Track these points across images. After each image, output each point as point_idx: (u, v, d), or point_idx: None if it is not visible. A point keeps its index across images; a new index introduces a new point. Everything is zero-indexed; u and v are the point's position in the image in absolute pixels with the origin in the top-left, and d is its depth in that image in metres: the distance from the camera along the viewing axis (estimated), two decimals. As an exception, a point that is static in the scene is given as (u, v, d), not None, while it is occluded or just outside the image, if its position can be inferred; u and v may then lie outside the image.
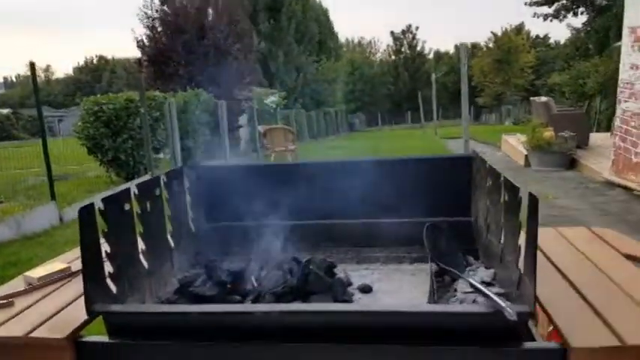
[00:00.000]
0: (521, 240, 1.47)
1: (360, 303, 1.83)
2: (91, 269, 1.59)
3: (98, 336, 1.65)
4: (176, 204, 2.24)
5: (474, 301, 1.67)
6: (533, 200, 1.36)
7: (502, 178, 1.67)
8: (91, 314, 1.58)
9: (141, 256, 1.92)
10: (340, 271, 2.03)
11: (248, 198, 2.43)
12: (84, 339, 1.62)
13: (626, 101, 9.57)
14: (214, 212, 2.50)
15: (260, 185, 2.43)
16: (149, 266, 1.96)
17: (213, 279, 1.90)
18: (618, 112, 10.07)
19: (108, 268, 1.71)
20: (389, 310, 1.43)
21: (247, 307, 1.61)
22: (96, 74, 65.87)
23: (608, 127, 16.94)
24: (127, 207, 1.82)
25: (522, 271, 1.47)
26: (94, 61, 69.34)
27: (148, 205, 1.98)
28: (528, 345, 1.45)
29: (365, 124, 37.67)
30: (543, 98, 14.56)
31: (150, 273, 1.97)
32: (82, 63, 70.53)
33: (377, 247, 2.32)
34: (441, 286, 1.85)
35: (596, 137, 14.12)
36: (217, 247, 2.44)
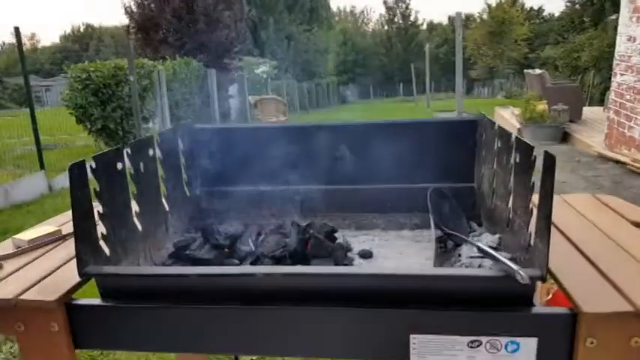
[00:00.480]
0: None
1: (364, 267, 1.78)
2: (82, 229, 1.51)
3: (90, 299, 1.58)
4: (170, 166, 2.16)
5: (480, 266, 1.62)
6: (549, 158, 1.30)
7: (514, 139, 1.60)
8: (83, 276, 1.51)
9: (134, 219, 1.85)
10: (339, 237, 1.97)
11: (244, 162, 2.36)
12: (75, 302, 1.56)
13: (622, 74, 9.51)
14: (209, 176, 2.42)
15: (257, 149, 2.35)
16: (143, 229, 1.89)
17: (209, 242, 1.83)
18: (613, 85, 10.02)
19: (100, 229, 1.63)
20: (396, 274, 1.38)
21: (248, 268, 1.55)
22: (83, 42, 64.65)
23: (601, 102, 16.92)
24: (119, 166, 1.73)
25: (534, 234, 1.41)
26: (81, 29, 67.97)
27: (142, 166, 1.89)
28: (537, 310, 1.40)
29: (357, 96, 37.39)
30: (538, 70, 14.48)
31: (144, 236, 1.89)
32: (68, 31, 69.15)
33: (376, 214, 2.25)
34: (445, 251, 1.80)
35: (589, 111, 14.11)
36: (212, 212, 2.37)
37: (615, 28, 10.37)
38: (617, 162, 8.27)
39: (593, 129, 11.75)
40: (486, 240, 1.81)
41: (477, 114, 2.23)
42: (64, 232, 2.05)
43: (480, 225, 2.07)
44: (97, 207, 1.63)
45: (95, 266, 1.55)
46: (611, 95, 10.00)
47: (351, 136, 2.30)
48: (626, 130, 8.97)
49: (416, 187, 2.29)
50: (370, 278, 1.40)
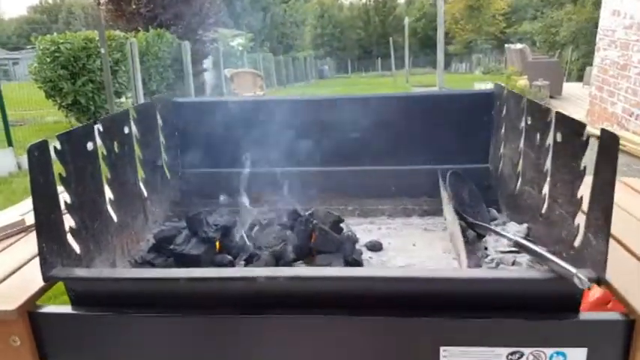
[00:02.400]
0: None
1: (391, 267, 1.54)
2: (46, 223, 1.25)
3: (59, 306, 1.33)
4: (148, 145, 1.90)
5: (514, 263, 1.41)
6: (610, 137, 1.09)
7: (552, 115, 1.38)
8: (48, 280, 1.26)
9: (108, 207, 1.59)
10: (343, 226, 1.74)
11: (231, 140, 2.10)
12: (40, 310, 1.30)
13: (605, 49, 9.38)
14: (192, 156, 2.15)
15: (246, 125, 2.09)
16: (119, 219, 1.64)
17: (197, 235, 1.58)
18: (596, 60, 9.90)
19: (69, 222, 1.38)
20: (428, 276, 1.16)
21: (247, 271, 1.31)
22: (52, 14, 62.39)
23: (579, 78, 16.93)
24: (90, 146, 1.47)
25: (585, 228, 1.20)
26: (50, 1, 65.55)
27: (116, 146, 1.63)
28: (587, 316, 1.20)
29: (334, 70, 36.91)
30: (519, 45, 14.36)
31: (120, 227, 1.64)
32: (36, 2, 66.58)
33: (381, 199, 2.03)
34: (466, 242, 1.58)
35: (568, 87, 14.05)
36: (197, 197, 2.11)
37: (594, 4, 10.21)
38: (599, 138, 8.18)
39: (574, 105, 11.69)
40: (512, 230, 1.60)
41: (494, 86, 2.01)
42: (28, 223, 1.78)
43: (498, 211, 1.86)
44: (64, 196, 1.38)
45: (63, 268, 1.30)
46: (594, 71, 9.87)
47: (350, 111, 2.06)
48: (608, 106, 8.88)
49: (423, 169, 2.07)
50: (396, 282, 1.17)
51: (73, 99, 11.49)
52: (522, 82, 12.03)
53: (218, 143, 2.12)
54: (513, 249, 1.45)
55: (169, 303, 1.28)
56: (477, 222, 1.60)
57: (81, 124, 1.48)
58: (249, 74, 13.59)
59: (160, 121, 1.99)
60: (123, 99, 12.14)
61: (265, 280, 1.21)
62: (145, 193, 1.86)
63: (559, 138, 1.34)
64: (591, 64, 10.71)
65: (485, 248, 1.55)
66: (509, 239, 1.34)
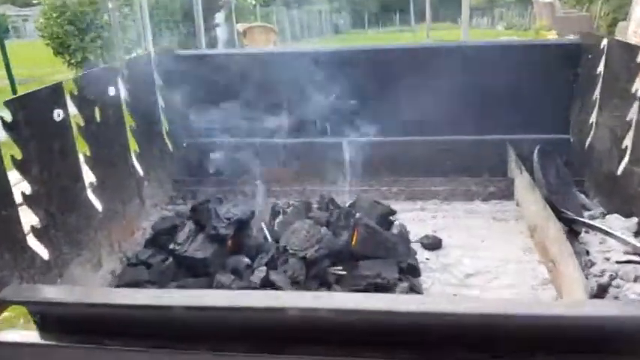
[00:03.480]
0: None
1: (483, 300, 1.15)
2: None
3: (20, 332, 0.98)
4: (143, 110, 1.51)
5: (638, 279, 1.02)
6: None
7: None
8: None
9: (89, 194, 1.22)
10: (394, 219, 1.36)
11: (248, 102, 1.70)
12: (-5, 337, 0.95)
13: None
14: (200, 123, 1.77)
15: (265, 83, 1.69)
16: (105, 208, 1.28)
17: (205, 231, 1.21)
18: (634, 14, 9.22)
19: (30, 219, 1.02)
20: (563, 315, 0.77)
21: (272, 297, 0.93)
22: (60, -33, 61.16)
23: (610, 34, 16.09)
24: (58, 115, 1.09)
25: None
26: (58, -47, 64.19)
27: (97, 113, 1.25)
28: None
29: (350, 25, 35.78)
30: (548, -3, 13.55)
31: (106, 218, 1.29)
32: (44, -46, 65.22)
33: (434, 177, 1.63)
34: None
35: (600, 42, 13.28)
36: (207, 173, 1.73)
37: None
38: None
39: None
40: (617, 226, 1.21)
41: (580, 35, 1.57)
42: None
43: (584, 194, 1.46)
44: (24, 185, 1.01)
45: (18, 287, 0.94)
46: (632, 27, 9.21)
47: (400, 65, 1.65)
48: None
49: (487, 140, 1.67)
50: (498, 319, 0.79)
51: (82, 56, 11.13)
52: (551, 37, 11.35)
53: (232, 106, 1.72)
54: (633, 258, 1.06)
55: (165, 334, 0.92)
56: (579, 219, 1.21)
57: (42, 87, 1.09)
58: (262, 29, 12.98)
59: (158, 80, 1.60)
60: (134, 54, 11.74)
61: (299, 313, 0.83)
62: (140, 172, 1.48)
63: None
64: (622, 19, 10.01)
65: (587, 252, 1.16)
66: (637, 249, 0.94)
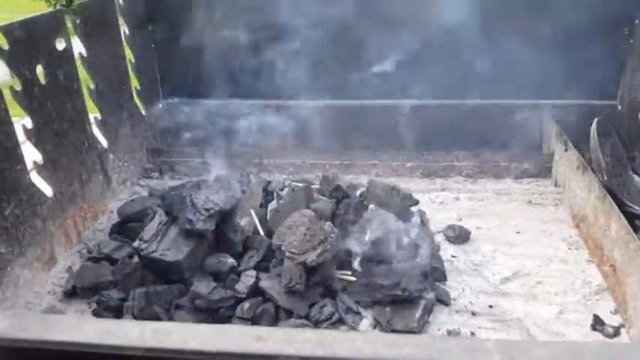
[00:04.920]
0: None
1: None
2: None
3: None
4: (105, 66, 1.24)
5: None
6: None
7: None
8: None
9: (33, 176, 0.97)
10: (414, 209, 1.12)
11: (234, 54, 1.43)
12: None
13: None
14: (178, 79, 1.50)
15: (253, 30, 1.41)
16: (56, 190, 1.03)
17: (179, 223, 0.96)
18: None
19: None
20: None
21: (260, 339, 0.70)
22: None
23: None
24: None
25: None
26: None
27: (40, 72, 0.98)
28: None
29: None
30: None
31: (59, 203, 1.04)
32: None
33: (456, 150, 1.37)
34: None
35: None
36: (184, 139, 1.47)
37: None
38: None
39: None
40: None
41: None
42: None
43: (637, 175, 1.22)
44: None
45: None
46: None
47: (405, 10, 1.37)
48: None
49: (520, 105, 1.41)
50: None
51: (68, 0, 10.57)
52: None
53: (217, 60, 1.44)
54: None
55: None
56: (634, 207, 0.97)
57: None
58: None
59: (124, 28, 1.31)
60: None
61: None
62: (104, 142, 1.23)
63: None
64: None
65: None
66: None
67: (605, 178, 1.01)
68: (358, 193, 1.03)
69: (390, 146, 1.39)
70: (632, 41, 1.30)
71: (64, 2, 11.26)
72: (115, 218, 1.19)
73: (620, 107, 1.36)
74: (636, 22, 1.29)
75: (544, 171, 1.31)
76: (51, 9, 7.10)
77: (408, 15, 1.37)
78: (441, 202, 1.25)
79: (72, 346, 0.68)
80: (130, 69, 1.35)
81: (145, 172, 1.41)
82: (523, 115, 1.39)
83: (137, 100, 1.40)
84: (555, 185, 1.28)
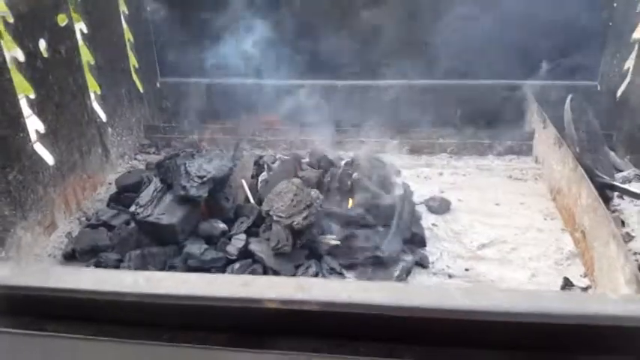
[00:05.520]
0: None
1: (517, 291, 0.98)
2: None
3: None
4: (105, 43, 1.29)
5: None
6: None
7: None
8: None
9: (36, 145, 1.03)
10: (391, 171, 1.17)
11: (231, 34, 1.47)
12: None
13: None
14: (175, 59, 1.55)
15: (250, 8, 1.45)
16: (57, 160, 1.08)
17: (174, 190, 1.02)
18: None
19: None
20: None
21: (249, 288, 0.75)
22: None
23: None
24: (-15, 50, 0.88)
25: None
26: None
27: (43, 47, 1.03)
28: None
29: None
30: None
31: (60, 172, 1.11)
32: None
33: (442, 127, 1.43)
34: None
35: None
36: (182, 117, 1.53)
37: None
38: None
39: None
40: (656, 190, 1.03)
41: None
42: None
43: (612, 150, 1.28)
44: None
45: None
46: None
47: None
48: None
49: (502, 85, 1.46)
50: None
51: None
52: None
53: (215, 40, 1.49)
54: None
55: (114, 321, 0.75)
56: (619, 184, 1.03)
57: None
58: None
59: (124, 7, 1.36)
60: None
61: (279, 306, 0.66)
62: (103, 116, 1.28)
63: None
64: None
65: (623, 223, 0.99)
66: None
67: (578, 150, 1.06)
68: (343, 162, 1.08)
69: (379, 124, 1.44)
70: (610, 24, 1.35)
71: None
72: (113, 189, 1.25)
73: (599, 87, 1.41)
74: (614, 5, 1.34)
75: (525, 148, 1.37)
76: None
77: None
78: (425, 176, 1.30)
79: (69, 292, 0.74)
80: (129, 48, 1.40)
81: (142, 148, 1.47)
82: (506, 95, 1.45)
83: (135, 78, 1.45)
84: (535, 162, 1.33)
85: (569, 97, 1.14)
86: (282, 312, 0.68)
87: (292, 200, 0.97)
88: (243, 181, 1.12)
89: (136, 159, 1.42)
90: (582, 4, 1.36)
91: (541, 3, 1.38)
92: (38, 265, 1.01)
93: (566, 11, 1.36)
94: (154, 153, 1.46)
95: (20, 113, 0.99)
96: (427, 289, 0.83)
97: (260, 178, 1.14)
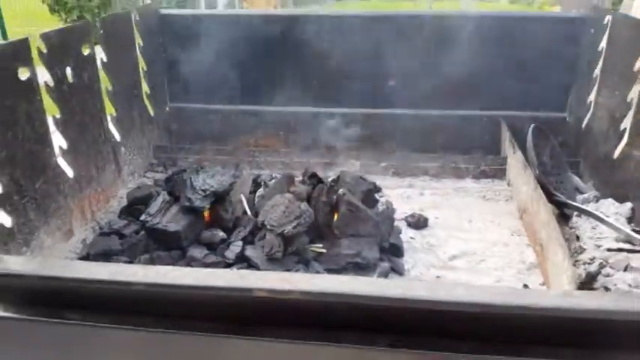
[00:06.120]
0: None
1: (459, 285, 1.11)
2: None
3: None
4: (121, 71, 1.44)
5: (628, 268, 0.97)
6: None
7: None
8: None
9: (59, 159, 1.16)
10: (378, 197, 1.31)
11: (236, 66, 1.63)
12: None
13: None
14: (184, 87, 1.70)
15: (251, 48, 1.62)
16: (76, 174, 1.22)
17: (180, 201, 1.15)
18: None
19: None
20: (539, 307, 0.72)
21: (237, 278, 0.88)
22: None
23: (614, 10, 15.81)
24: (22, 74, 1.02)
25: None
26: None
27: (69, 73, 1.17)
28: None
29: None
30: (554, -30, 13.28)
31: (78, 184, 1.23)
32: None
33: (424, 153, 1.57)
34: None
35: (604, 18, 13.07)
36: (188, 140, 1.67)
37: None
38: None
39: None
40: (609, 211, 1.16)
41: (590, 9, 1.49)
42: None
43: (578, 176, 1.41)
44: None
45: (-28, 255, 0.88)
46: (636, 3, 9.04)
47: (389, 33, 1.57)
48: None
49: (480, 116, 1.61)
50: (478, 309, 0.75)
51: (78, 14, 10.92)
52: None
53: (219, 71, 1.64)
54: (624, 245, 1.01)
55: (127, 310, 0.87)
56: (571, 202, 1.16)
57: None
58: (263, -5, 12.67)
59: (139, 39, 1.51)
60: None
61: (267, 295, 0.78)
62: (117, 137, 1.42)
63: None
64: (632, -5, 9.84)
65: (578, 237, 1.11)
66: (629, 237, 0.89)
67: (537, 171, 1.20)
68: (330, 179, 1.21)
69: (367, 148, 1.58)
70: (574, 61, 1.50)
71: (75, 18, 11.57)
72: (124, 202, 1.38)
73: (568, 119, 1.56)
74: (580, 46, 1.49)
75: (499, 173, 1.50)
76: (61, 23, 7.30)
77: (388, 44, 1.58)
78: (407, 196, 1.43)
79: (88, 282, 0.87)
80: (142, 76, 1.55)
81: (150, 167, 1.60)
82: (484, 125, 1.59)
83: (147, 103, 1.59)
84: (508, 184, 1.46)
85: (532, 126, 1.28)
86: (269, 300, 0.81)
87: (284, 212, 1.10)
88: (242, 196, 1.25)
89: (145, 176, 1.56)
90: (552, 48, 1.51)
91: (519, 49, 1.54)
92: (62, 260, 1.13)
93: (539, 55, 1.53)
94: (161, 171, 1.59)
95: (47, 131, 1.13)
96: (395, 282, 0.95)
97: (257, 194, 1.27)
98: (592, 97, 1.40)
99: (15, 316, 0.90)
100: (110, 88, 1.37)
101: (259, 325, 0.83)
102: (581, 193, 1.31)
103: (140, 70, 1.54)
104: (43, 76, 1.11)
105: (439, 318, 0.80)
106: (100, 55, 1.32)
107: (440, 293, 0.77)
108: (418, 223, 1.27)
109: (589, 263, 1.02)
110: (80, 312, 0.88)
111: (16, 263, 0.92)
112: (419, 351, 0.77)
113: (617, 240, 1.04)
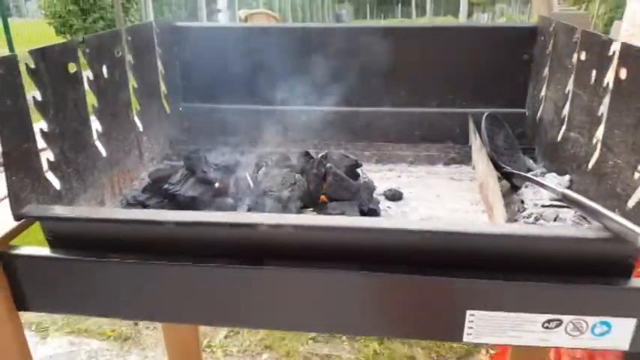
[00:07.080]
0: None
1: (412, 220, 1.37)
2: (17, 154, 1.08)
3: (35, 247, 1.16)
4: (144, 73, 1.69)
5: (557, 219, 1.22)
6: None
7: (616, 47, 1.16)
8: (19, 219, 1.09)
9: (96, 141, 1.41)
10: (360, 172, 1.55)
11: (238, 72, 1.89)
12: (14, 251, 1.14)
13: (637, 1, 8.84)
14: (195, 88, 1.96)
15: (254, 56, 1.88)
16: (108, 154, 1.46)
17: (195, 175, 1.40)
18: (626, 14, 9.37)
19: (47, 154, 1.20)
20: (464, 231, 0.97)
21: (245, 216, 1.13)
22: (63, -52, 60.71)
23: (605, 32, 16.18)
24: (72, 68, 1.28)
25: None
26: None
27: (105, 70, 1.43)
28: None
29: (352, 16, 35.81)
30: (547, -6, 13.69)
31: (110, 163, 1.47)
32: None
33: (402, 144, 1.83)
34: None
35: (596, 40, 13.42)
36: (199, 134, 1.93)
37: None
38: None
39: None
40: (553, 182, 1.40)
41: (539, 19, 1.76)
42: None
43: (534, 161, 1.66)
44: (42, 124, 1.20)
45: (36, 206, 1.13)
46: (624, 24, 9.37)
47: (373, 45, 1.83)
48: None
49: (451, 112, 1.86)
50: (418, 236, 0.99)
51: (83, 36, 11.27)
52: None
53: (224, 75, 1.92)
54: (556, 202, 1.25)
55: (157, 249, 1.11)
56: (515, 171, 1.40)
57: (57, 42, 1.29)
58: (263, 16, 13.10)
59: (158, 48, 1.78)
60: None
61: (267, 229, 1.03)
62: (140, 127, 1.67)
63: (623, 75, 1.12)
64: (619, 18, 10.21)
65: (522, 202, 1.35)
66: (554, 191, 1.14)
67: (488, 149, 1.44)
68: (319, 156, 1.46)
69: (354, 140, 1.84)
70: (531, 65, 1.76)
71: (81, 40, 11.83)
72: (146, 182, 1.62)
73: (527, 113, 1.81)
74: (534, 50, 1.75)
75: (466, 159, 1.75)
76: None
77: (372, 55, 1.84)
78: (387, 177, 1.68)
79: (120, 222, 1.11)
80: (160, 77, 1.81)
81: (166, 156, 1.85)
82: (455, 120, 1.84)
83: (164, 101, 1.85)
84: (473, 168, 1.71)
85: (486, 113, 1.53)
86: (268, 233, 1.06)
87: (281, 181, 1.35)
88: (247, 173, 1.50)
89: (162, 164, 1.81)
90: (508, 50, 1.78)
91: (483, 54, 1.80)
92: (93, 208, 1.37)
93: (496, 58, 1.79)
94: (176, 160, 1.84)
95: (88, 116, 1.38)
96: (380, 221, 1.18)
97: (259, 172, 1.52)
98: (543, 92, 1.66)
99: (63, 256, 1.15)
100: (136, 86, 1.63)
101: (263, 257, 1.07)
102: (531, 170, 1.56)
103: (159, 73, 1.80)
104: (85, 72, 1.37)
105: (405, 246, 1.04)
106: (128, 57, 1.58)
107: (403, 225, 1.02)
108: (394, 196, 1.52)
109: (527, 218, 1.26)
110: (119, 252, 1.14)
111: (66, 210, 1.17)
112: (381, 274, 1.02)
113: (551, 199, 1.29)
